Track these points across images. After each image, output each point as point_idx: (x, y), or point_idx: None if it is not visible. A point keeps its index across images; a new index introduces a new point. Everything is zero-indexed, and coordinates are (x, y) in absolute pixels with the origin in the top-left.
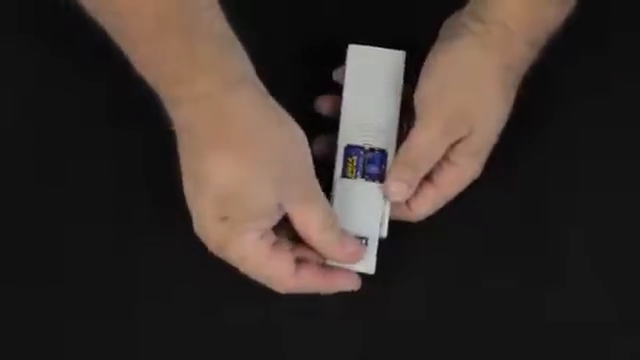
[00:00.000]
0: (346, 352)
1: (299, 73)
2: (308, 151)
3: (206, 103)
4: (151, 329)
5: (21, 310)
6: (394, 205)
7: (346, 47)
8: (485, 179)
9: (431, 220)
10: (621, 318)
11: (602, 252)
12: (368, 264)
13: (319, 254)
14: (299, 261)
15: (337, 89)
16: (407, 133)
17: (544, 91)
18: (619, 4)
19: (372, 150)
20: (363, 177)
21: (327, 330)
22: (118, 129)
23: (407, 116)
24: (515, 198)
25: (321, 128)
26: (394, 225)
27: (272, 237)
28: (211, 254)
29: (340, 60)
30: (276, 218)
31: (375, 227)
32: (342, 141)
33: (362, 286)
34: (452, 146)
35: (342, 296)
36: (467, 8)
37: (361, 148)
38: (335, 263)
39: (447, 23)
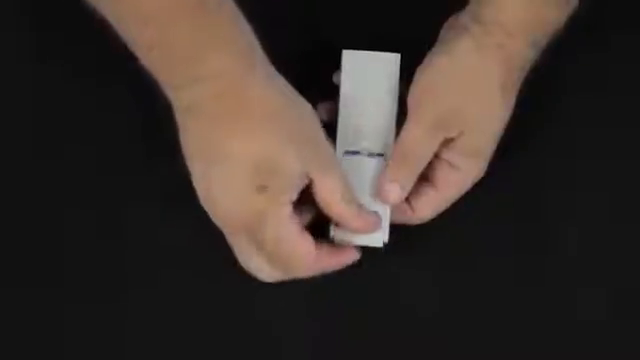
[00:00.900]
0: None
1: (298, 76)
2: (320, 124)
3: (224, 80)
4: (141, 315)
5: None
6: (396, 208)
7: (344, 49)
8: (483, 178)
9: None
10: (618, 317)
11: (601, 251)
12: (378, 237)
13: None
14: None
15: (337, 92)
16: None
17: (542, 90)
18: (618, 3)
19: (370, 155)
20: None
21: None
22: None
23: (405, 117)
24: (513, 197)
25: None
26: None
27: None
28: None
29: (339, 62)
30: (298, 189)
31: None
32: (340, 147)
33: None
34: (446, 146)
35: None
36: (467, 9)
37: (359, 154)
38: (342, 238)
39: (447, 24)
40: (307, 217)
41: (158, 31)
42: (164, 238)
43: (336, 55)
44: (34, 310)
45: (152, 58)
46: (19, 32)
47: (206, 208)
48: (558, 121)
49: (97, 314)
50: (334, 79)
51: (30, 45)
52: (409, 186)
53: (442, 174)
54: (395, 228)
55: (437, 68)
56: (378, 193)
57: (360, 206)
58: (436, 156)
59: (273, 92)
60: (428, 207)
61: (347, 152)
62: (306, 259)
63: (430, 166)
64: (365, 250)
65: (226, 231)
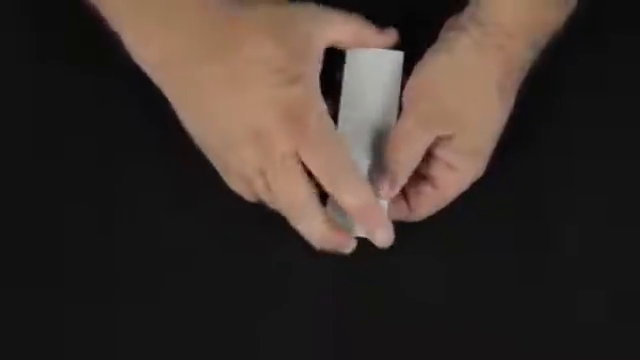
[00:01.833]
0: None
1: None
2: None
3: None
4: (141, 315)
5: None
6: (394, 206)
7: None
8: (483, 177)
9: (426, 217)
10: (617, 317)
11: (599, 250)
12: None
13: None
14: None
15: (339, 89)
16: None
17: (542, 90)
18: (617, 3)
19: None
20: None
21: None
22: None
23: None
24: (512, 196)
25: None
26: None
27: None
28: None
29: (341, 60)
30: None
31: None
32: None
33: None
34: (443, 144)
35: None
36: (466, 10)
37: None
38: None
39: (447, 25)
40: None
41: None
42: (167, 236)
43: (338, 53)
44: (34, 309)
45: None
46: (19, 32)
47: (199, 134)
48: (557, 121)
49: (97, 313)
50: (337, 77)
51: (30, 45)
52: (402, 180)
53: (440, 173)
54: (395, 227)
55: (435, 66)
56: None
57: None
58: (434, 155)
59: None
60: (426, 205)
61: None
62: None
63: (428, 165)
64: (363, 249)
65: (222, 156)
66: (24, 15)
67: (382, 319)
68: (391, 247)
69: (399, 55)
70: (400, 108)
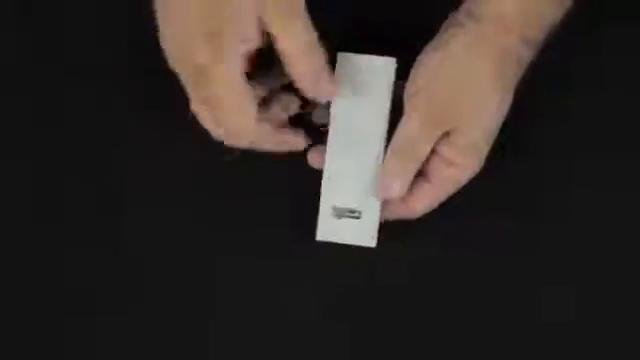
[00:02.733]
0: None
1: None
2: None
3: None
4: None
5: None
6: (389, 202)
7: (340, 50)
8: (479, 176)
9: (422, 216)
10: (616, 316)
11: (597, 250)
12: (369, 237)
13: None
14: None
15: None
16: None
17: (540, 89)
18: (615, 3)
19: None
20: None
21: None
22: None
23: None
24: (510, 195)
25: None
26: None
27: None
28: None
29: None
30: (251, 44)
31: (372, 200)
32: (333, 150)
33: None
34: (441, 140)
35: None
36: (463, 6)
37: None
38: (327, 237)
39: (445, 23)
40: (265, 90)
41: None
42: (167, 234)
43: (331, 56)
44: (34, 307)
45: None
46: (19, 32)
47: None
48: (556, 120)
49: (97, 313)
50: None
51: (30, 45)
52: (408, 180)
53: (437, 169)
54: (391, 228)
55: (432, 63)
56: (378, 188)
57: (326, 65)
58: (431, 151)
59: None
60: (422, 201)
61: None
62: (245, 121)
63: (425, 160)
64: (358, 250)
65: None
66: (24, 15)
67: (378, 315)
68: (388, 244)
69: (391, 62)
70: (400, 108)
